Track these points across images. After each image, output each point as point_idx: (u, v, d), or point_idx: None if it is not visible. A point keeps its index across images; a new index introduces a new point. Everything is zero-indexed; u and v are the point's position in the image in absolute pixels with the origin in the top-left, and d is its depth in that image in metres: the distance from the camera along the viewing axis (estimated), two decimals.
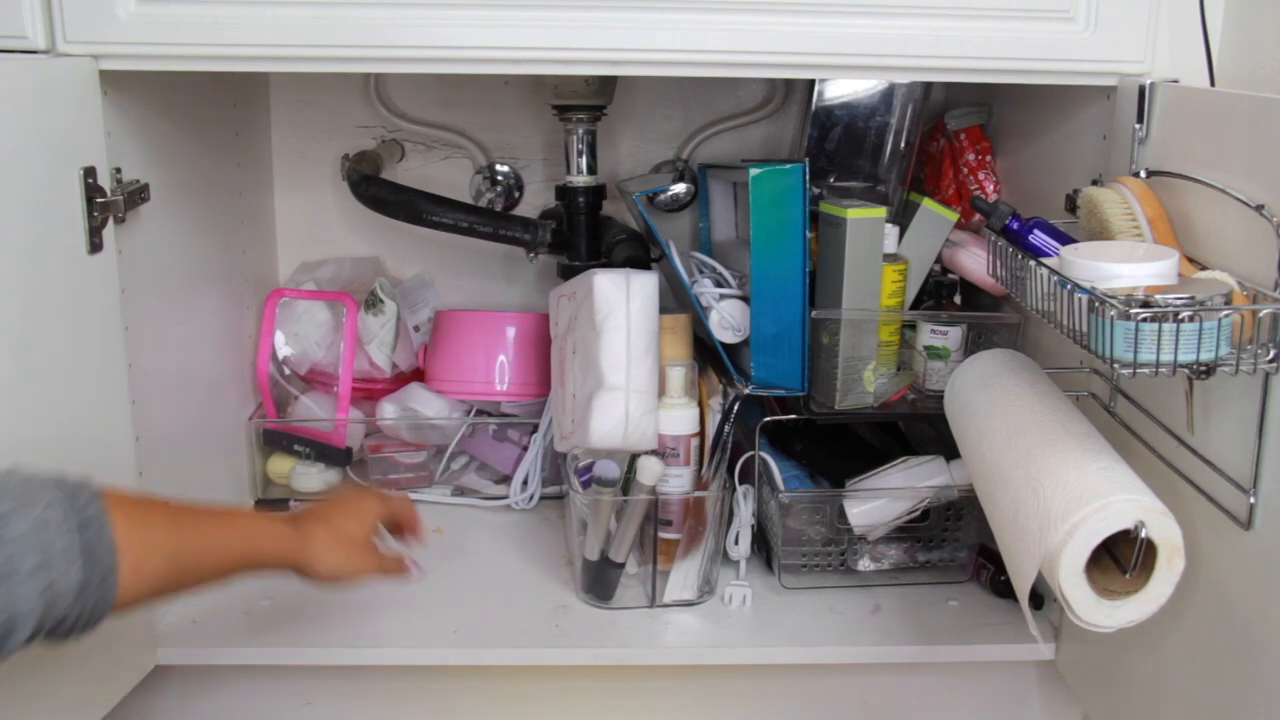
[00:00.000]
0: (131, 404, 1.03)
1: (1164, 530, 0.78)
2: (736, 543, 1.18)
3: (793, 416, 1.20)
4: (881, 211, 1.11)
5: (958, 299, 1.29)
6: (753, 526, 1.19)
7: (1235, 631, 0.82)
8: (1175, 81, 0.96)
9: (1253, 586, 0.80)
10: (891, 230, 1.15)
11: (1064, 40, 0.99)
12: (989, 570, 1.19)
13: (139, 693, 1.07)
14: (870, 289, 1.13)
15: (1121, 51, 1.00)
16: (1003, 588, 1.17)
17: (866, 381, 1.15)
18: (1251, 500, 0.79)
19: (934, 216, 1.21)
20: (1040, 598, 1.15)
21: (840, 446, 1.28)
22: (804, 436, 1.27)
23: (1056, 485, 0.81)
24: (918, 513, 1.17)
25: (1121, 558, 0.80)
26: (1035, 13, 0.99)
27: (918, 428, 1.35)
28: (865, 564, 1.21)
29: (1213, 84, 0.98)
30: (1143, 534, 0.77)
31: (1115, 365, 0.76)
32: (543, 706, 1.19)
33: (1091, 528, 0.77)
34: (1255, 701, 0.80)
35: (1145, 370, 0.75)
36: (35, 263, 0.89)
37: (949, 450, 1.12)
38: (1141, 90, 0.96)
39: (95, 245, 0.96)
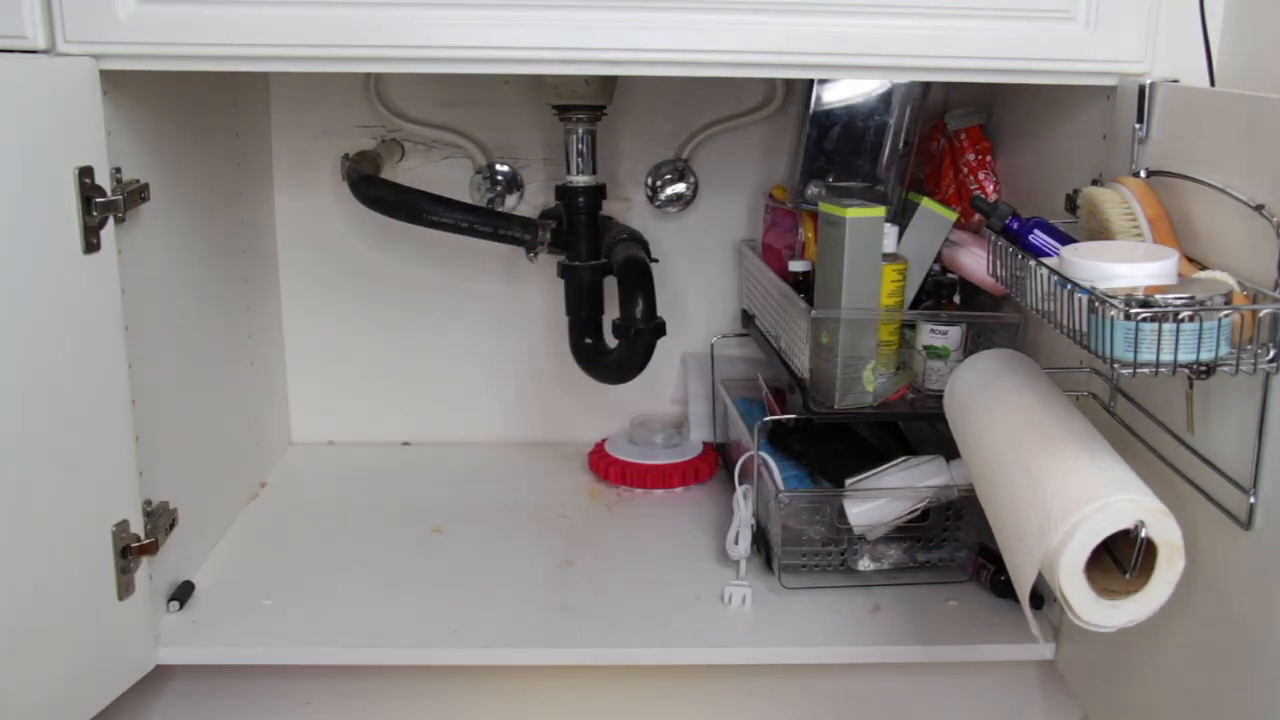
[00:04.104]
0: (131, 404, 1.03)
1: (1164, 530, 0.78)
2: (736, 542, 1.18)
3: (792, 416, 1.19)
4: (881, 211, 1.11)
5: (957, 299, 1.28)
6: (753, 526, 1.19)
7: (1235, 631, 0.82)
8: (1175, 81, 0.96)
9: (1253, 586, 0.80)
10: (891, 230, 1.15)
11: (1064, 40, 0.99)
12: (989, 570, 1.19)
13: (139, 693, 1.07)
14: (869, 288, 1.13)
15: (1121, 51, 0.99)
16: (1003, 588, 1.17)
17: (866, 381, 1.14)
18: (1251, 500, 0.79)
19: (933, 216, 1.21)
20: (1040, 598, 1.15)
21: (840, 446, 1.28)
22: (803, 436, 1.27)
23: (1057, 485, 0.81)
24: (918, 513, 1.17)
25: (1122, 558, 0.80)
26: (1035, 13, 0.99)
27: (917, 427, 1.35)
28: (865, 564, 1.21)
29: (1213, 84, 0.98)
30: (1143, 534, 0.77)
31: (1115, 365, 0.76)
32: (543, 706, 1.19)
33: (1091, 527, 0.77)
34: (1255, 701, 0.80)
35: (1145, 370, 0.75)
36: (31, 262, 0.89)
37: (949, 450, 1.12)
38: (1141, 90, 0.96)
39: (91, 245, 0.96)
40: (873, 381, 1.15)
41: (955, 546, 1.22)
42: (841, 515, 1.18)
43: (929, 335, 1.19)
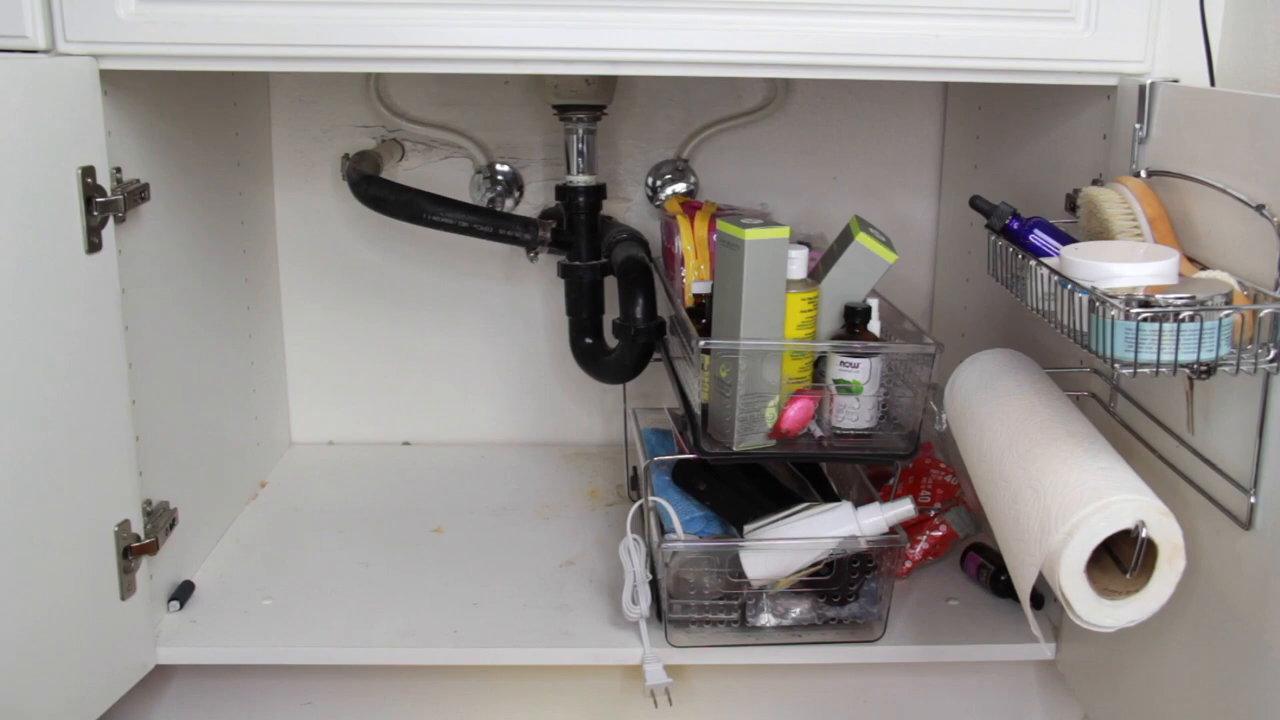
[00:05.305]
0: (132, 404, 1.03)
1: (1164, 530, 0.78)
2: (635, 601, 1.09)
3: (689, 456, 1.08)
4: (784, 232, 1.01)
5: (875, 326, 1.12)
6: (650, 580, 1.10)
7: (1235, 631, 0.82)
8: (1175, 81, 0.96)
9: (1253, 586, 0.80)
10: (799, 253, 1.04)
11: (1064, 40, 0.99)
12: (989, 570, 1.19)
13: (139, 693, 1.07)
14: (771, 318, 1.02)
15: (1121, 51, 1.00)
16: (1003, 588, 1.17)
17: (768, 420, 1.04)
18: (1251, 500, 0.79)
19: (869, 255, 1.08)
20: (1040, 597, 1.15)
21: (748, 486, 1.14)
22: (709, 474, 1.13)
23: (1057, 485, 0.81)
24: (820, 565, 1.06)
25: (1122, 557, 0.80)
26: (1035, 13, 0.99)
27: (840, 464, 1.23)
28: (766, 619, 1.10)
29: (1213, 84, 0.98)
30: (1143, 534, 0.77)
31: (1115, 365, 0.76)
32: (543, 706, 1.19)
33: (1092, 527, 0.77)
34: (1255, 701, 0.80)
35: (1146, 370, 0.75)
36: (33, 262, 0.89)
37: (872, 491, 1.06)
38: (1142, 90, 0.96)
39: (94, 245, 0.96)
40: (775, 420, 1.04)
41: (868, 602, 1.09)
42: (737, 567, 1.06)
43: (838, 368, 1.06)
